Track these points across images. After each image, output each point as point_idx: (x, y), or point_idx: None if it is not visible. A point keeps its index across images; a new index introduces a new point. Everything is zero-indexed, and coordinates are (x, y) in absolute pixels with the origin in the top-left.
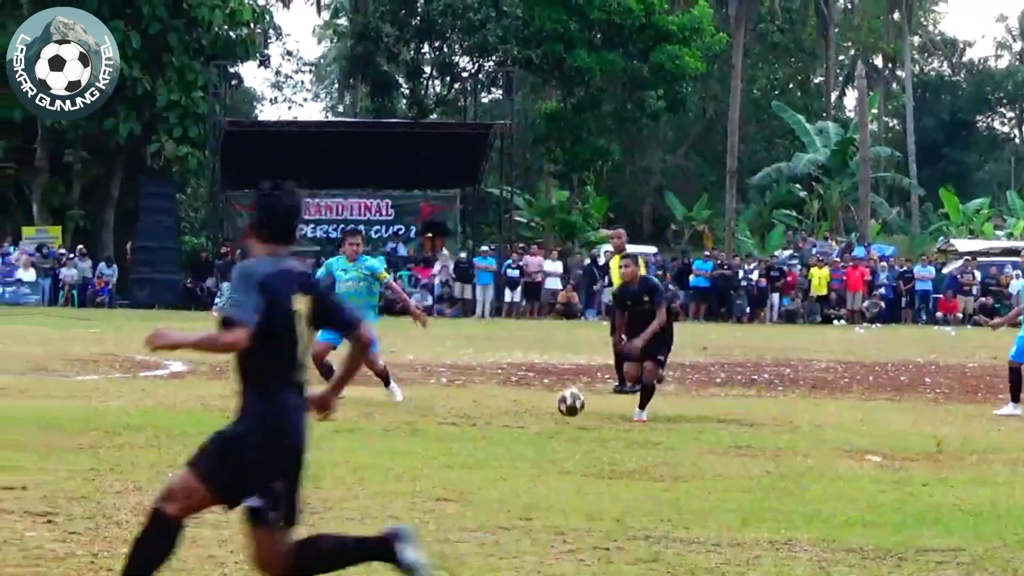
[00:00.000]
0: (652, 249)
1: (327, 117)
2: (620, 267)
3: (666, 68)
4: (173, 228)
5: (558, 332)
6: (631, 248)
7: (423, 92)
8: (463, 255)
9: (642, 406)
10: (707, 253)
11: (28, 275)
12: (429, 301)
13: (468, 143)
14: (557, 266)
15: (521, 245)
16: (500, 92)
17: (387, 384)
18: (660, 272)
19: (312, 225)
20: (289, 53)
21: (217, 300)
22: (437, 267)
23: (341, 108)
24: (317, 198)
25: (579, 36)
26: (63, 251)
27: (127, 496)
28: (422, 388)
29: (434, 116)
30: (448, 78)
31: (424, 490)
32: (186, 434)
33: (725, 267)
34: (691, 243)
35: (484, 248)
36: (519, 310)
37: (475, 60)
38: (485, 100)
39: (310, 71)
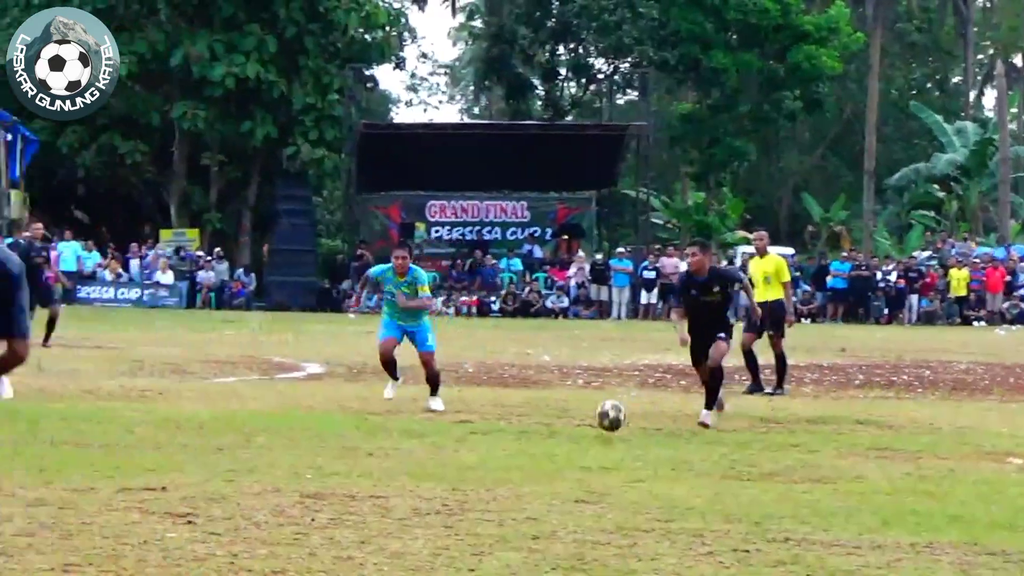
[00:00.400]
0: (789, 250)
1: (462, 119)
2: (687, 255)
3: (803, 68)
4: (309, 231)
5: None
6: (770, 250)
7: (558, 94)
8: (599, 257)
9: (709, 404)
10: (844, 254)
11: (166, 278)
12: (565, 303)
13: (604, 145)
14: None
15: (657, 247)
16: (636, 93)
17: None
18: (798, 273)
19: (448, 227)
20: (424, 55)
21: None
22: (573, 269)
23: (476, 110)
24: (453, 200)
25: (715, 37)
26: (200, 254)
27: (265, 497)
28: (559, 390)
29: (570, 118)
30: (583, 80)
31: (562, 492)
32: (323, 436)
33: (863, 268)
34: (828, 244)
35: (620, 250)
36: (655, 312)
37: (610, 61)
38: (621, 101)
39: (445, 73)
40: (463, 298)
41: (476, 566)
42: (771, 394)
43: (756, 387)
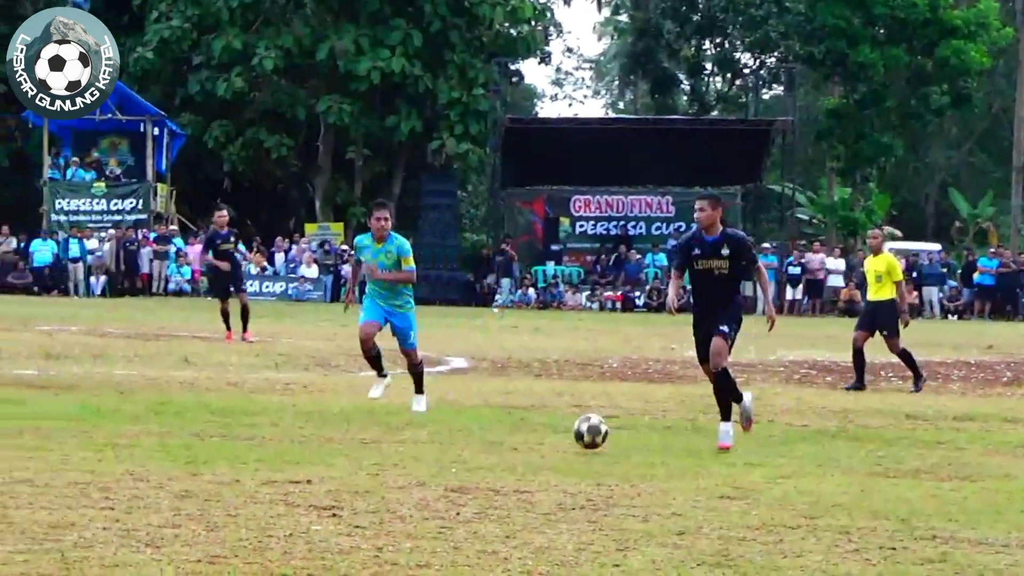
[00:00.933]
0: (936, 246)
1: (607, 114)
2: (696, 209)
3: (951, 63)
4: (454, 225)
5: (840, 330)
6: (911, 245)
7: (704, 88)
8: None
9: (726, 415)
10: (992, 251)
11: (311, 271)
12: None
13: (749, 140)
14: (839, 264)
15: (803, 242)
16: (781, 88)
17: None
18: (944, 270)
19: (592, 222)
20: (569, 50)
21: (497, 297)
22: None
23: (621, 105)
24: (597, 195)
25: (862, 32)
26: (345, 247)
27: (410, 491)
28: (703, 385)
29: (715, 113)
30: (729, 74)
31: (707, 487)
32: (468, 429)
33: (1011, 265)
34: (975, 240)
35: (765, 245)
36: (801, 308)
37: (756, 56)
38: (766, 96)
39: (590, 68)
40: (607, 293)
41: (621, 561)
42: (914, 390)
43: (859, 385)
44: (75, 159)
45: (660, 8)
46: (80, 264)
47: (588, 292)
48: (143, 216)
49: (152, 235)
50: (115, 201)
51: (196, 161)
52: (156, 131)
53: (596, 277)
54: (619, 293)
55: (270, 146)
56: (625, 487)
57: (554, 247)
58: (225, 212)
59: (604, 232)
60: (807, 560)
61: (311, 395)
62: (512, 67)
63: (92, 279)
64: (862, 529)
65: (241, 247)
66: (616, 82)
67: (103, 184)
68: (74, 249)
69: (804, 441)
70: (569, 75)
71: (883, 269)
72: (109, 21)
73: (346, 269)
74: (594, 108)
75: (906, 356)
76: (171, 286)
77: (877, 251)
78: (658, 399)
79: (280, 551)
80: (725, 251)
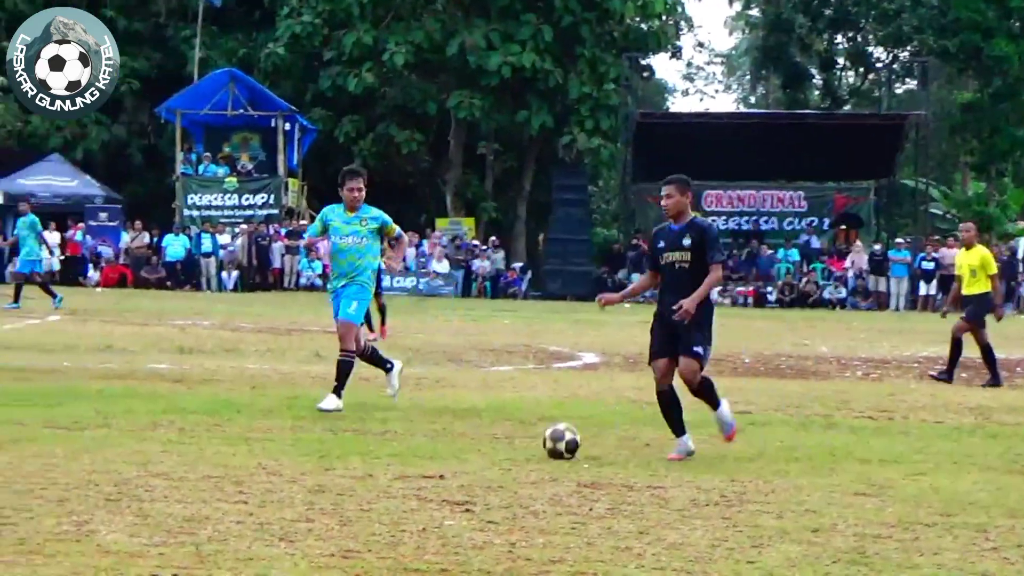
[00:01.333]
0: None
1: (739, 109)
2: (663, 196)
3: None
4: (585, 220)
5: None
6: None
7: (836, 83)
8: (877, 247)
9: (679, 431)
10: None
11: (442, 266)
12: (843, 294)
13: (883, 134)
14: None
15: (936, 237)
16: (915, 82)
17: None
18: None
19: (724, 217)
20: (701, 44)
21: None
22: (850, 260)
23: (753, 99)
24: (729, 190)
25: (997, 25)
26: (476, 242)
27: (543, 487)
28: (837, 381)
29: (847, 107)
30: (862, 68)
31: (841, 484)
32: (601, 425)
33: None
34: None
35: (899, 240)
36: (934, 303)
37: (890, 50)
38: (899, 90)
39: (722, 62)
40: (739, 288)
41: (755, 558)
42: (991, 385)
43: (995, 381)
44: (207, 155)
45: (792, 2)
46: (212, 259)
47: (720, 287)
48: (274, 211)
49: (283, 230)
50: (247, 196)
51: (327, 156)
52: (287, 126)
53: (728, 272)
54: (751, 288)
55: (401, 141)
56: (759, 483)
57: None
58: None
59: (736, 227)
60: (944, 558)
61: (443, 390)
62: (643, 62)
63: (224, 274)
64: (1000, 527)
65: None
66: (747, 77)
67: (235, 179)
68: (206, 244)
69: (940, 438)
70: (700, 70)
71: (977, 263)
72: (241, 18)
73: (477, 264)
74: (725, 103)
75: (988, 351)
76: (302, 281)
77: (970, 245)
78: (791, 394)
79: (413, 546)
80: (686, 241)
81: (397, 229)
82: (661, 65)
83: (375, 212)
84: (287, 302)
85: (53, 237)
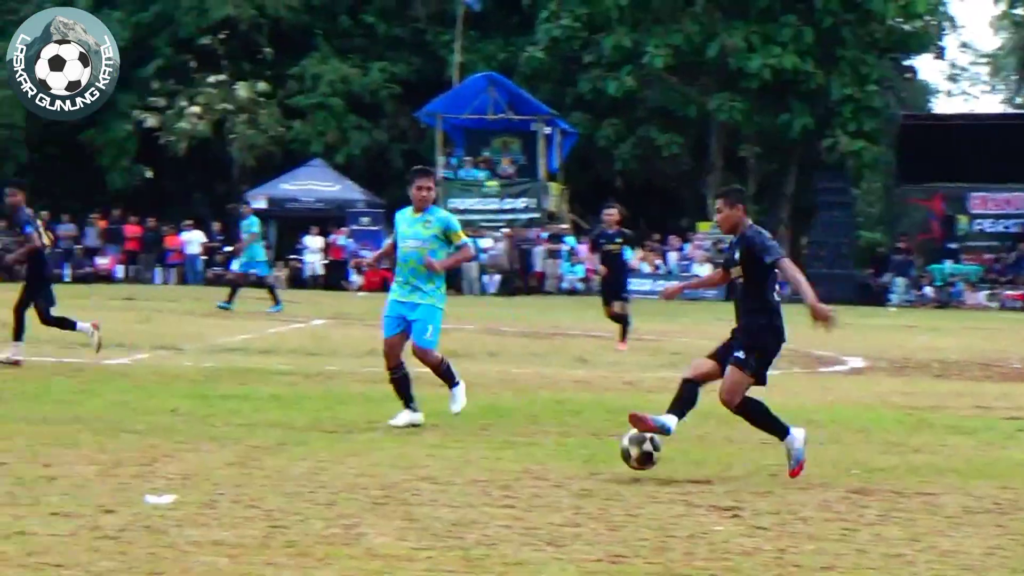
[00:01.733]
0: None
1: (1005, 110)
2: (716, 209)
3: None
4: (849, 223)
5: None
6: None
7: None
8: None
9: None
10: None
11: (703, 270)
12: None
13: None
14: None
15: None
16: None
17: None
18: None
19: (991, 220)
20: (965, 45)
21: (891, 296)
22: None
23: (1019, 100)
24: (996, 192)
25: None
26: None
27: (812, 492)
28: None
29: None
30: None
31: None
32: (867, 431)
33: None
34: None
35: None
36: None
37: None
38: None
39: (986, 63)
40: (1008, 292)
41: None
42: None
43: None
44: (468, 158)
45: None
46: (474, 263)
47: (988, 291)
48: (536, 215)
49: (544, 234)
50: (508, 200)
51: (587, 160)
52: (548, 130)
53: (995, 276)
54: (1020, 292)
55: (661, 144)
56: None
57: (951, 245)
58: (615, 211)
59: (1003, 230)
60: None
61: (710, 394)
62: (906, 63)
63: (486, 277)
64: None
65: (627, 251)
66: (1013, 77)
67: (496, 183)
68: None
69: None
70: (964, 70)
71: None
72: (499, 21)
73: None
74: (991, 104)
75: None
76: (564, 284)
77: None
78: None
79: (682, 551)
80: (737, 255)
81: (463, 237)
82: (924, 66)
83: (442, 214)
84: (548, 306)
85: (316, 242)
